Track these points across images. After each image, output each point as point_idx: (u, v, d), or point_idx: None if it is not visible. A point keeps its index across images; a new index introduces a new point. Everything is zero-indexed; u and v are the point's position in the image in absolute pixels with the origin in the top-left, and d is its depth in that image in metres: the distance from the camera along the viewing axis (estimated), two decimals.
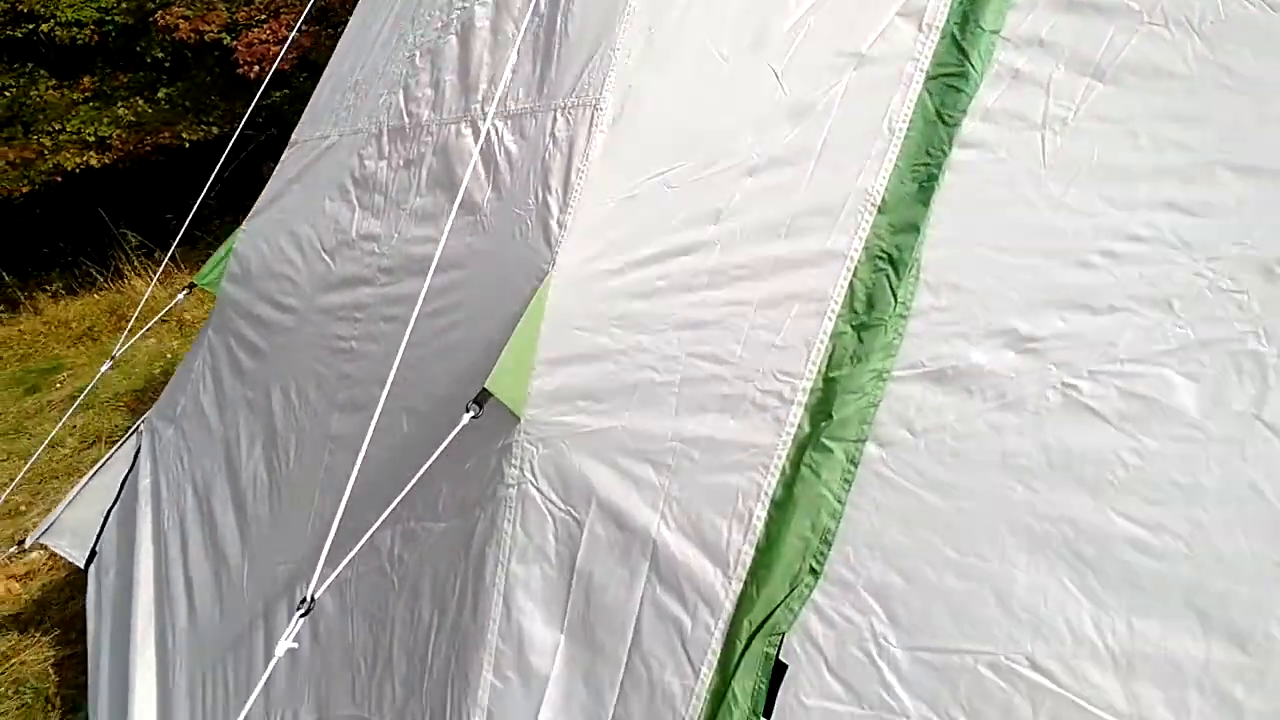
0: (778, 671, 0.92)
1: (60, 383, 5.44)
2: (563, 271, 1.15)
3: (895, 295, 1.00)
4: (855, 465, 0.96)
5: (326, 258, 1.78)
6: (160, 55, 6.74)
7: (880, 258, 1.03)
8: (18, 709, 2.67)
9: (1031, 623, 0.88)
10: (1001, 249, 1.00)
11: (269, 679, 1.55)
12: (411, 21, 1.89)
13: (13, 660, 2.86)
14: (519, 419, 1.07)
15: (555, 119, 1.30)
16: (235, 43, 6.17)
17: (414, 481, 1.02)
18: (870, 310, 1.01)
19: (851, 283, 1.03)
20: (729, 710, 0.91)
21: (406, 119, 1.72)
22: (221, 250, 2.23)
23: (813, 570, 0.93)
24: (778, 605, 0.93)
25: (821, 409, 0.99)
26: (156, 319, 3.06)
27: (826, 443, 0.97)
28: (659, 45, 1.27)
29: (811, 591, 0.93)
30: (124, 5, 6.49)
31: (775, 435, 1.00)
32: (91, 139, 6.54)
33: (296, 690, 1.40)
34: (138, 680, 1.93)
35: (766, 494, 0.98)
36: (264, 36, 6.14)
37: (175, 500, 2.15)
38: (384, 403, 1.44)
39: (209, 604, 1.79)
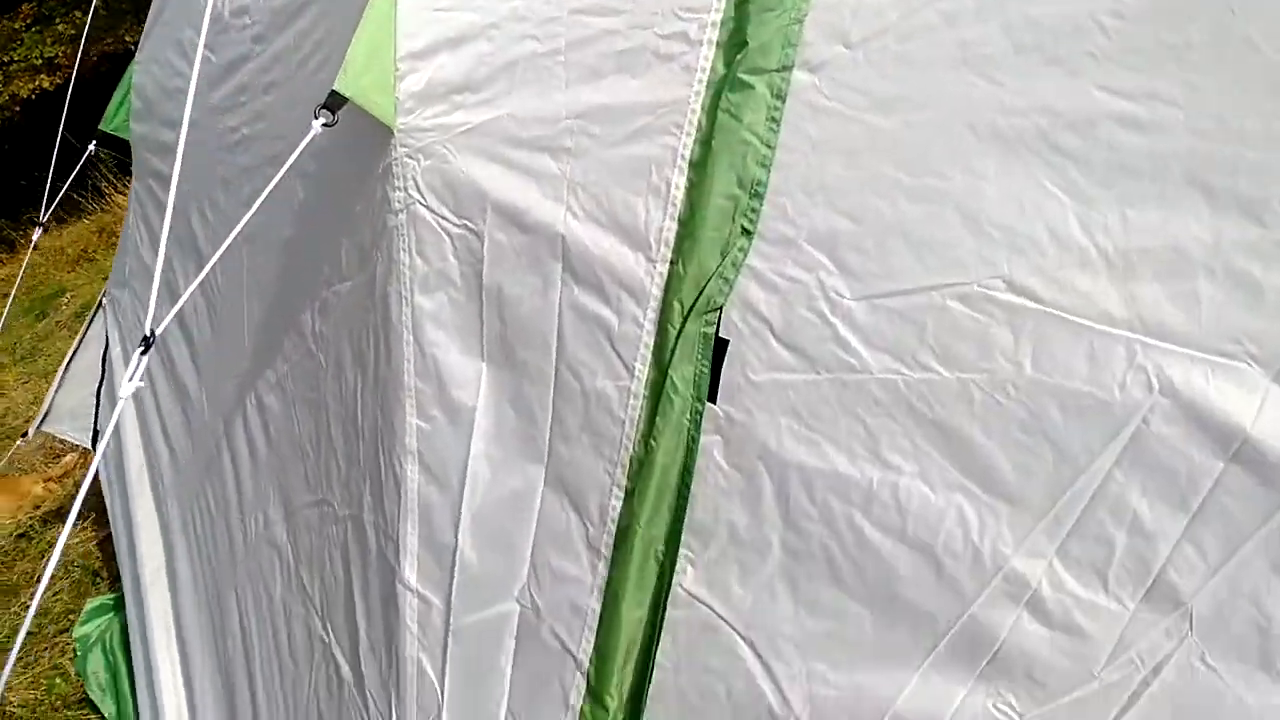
0: (719, 350, 0.77)
1: (65, 304, 5.41)
2: None
3: None
4: (782, 100, 0.76)
5: (208, 52, 1.53)
6: None
7: None
8: (70, 586, 2.74)
9: (1006, 239, 0.71)
10: None
11: (224, 485, 1.47)
12: None
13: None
14: (392, 132, 0.88)
15: None
16: None
17: (261, 199, 0.85)
18: None
19: None
20: (669, 401, 0.77)
21: None
22: (119, 91, 1.97)
23: (745, 231, 0.76)
24: (709, 278, 0.77)
25: (735, 40, 0.78)
26: None
27: (745, 78, 0.76)
28: None
29: (746, 255, 0.76)
30: None
31: (685, 86, 0.80)
32: (39, 61, 6.18)
33: (262, 492, 1.31)
34: (142, 529, 1.90)
35: (683, 157, 0.79)
36: None
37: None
38: (283, 183, 1.25)
39: (182, 439, 1.71)
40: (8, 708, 2.31)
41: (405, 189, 0.87)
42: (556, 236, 0.83)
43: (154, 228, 1.87)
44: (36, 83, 6.18)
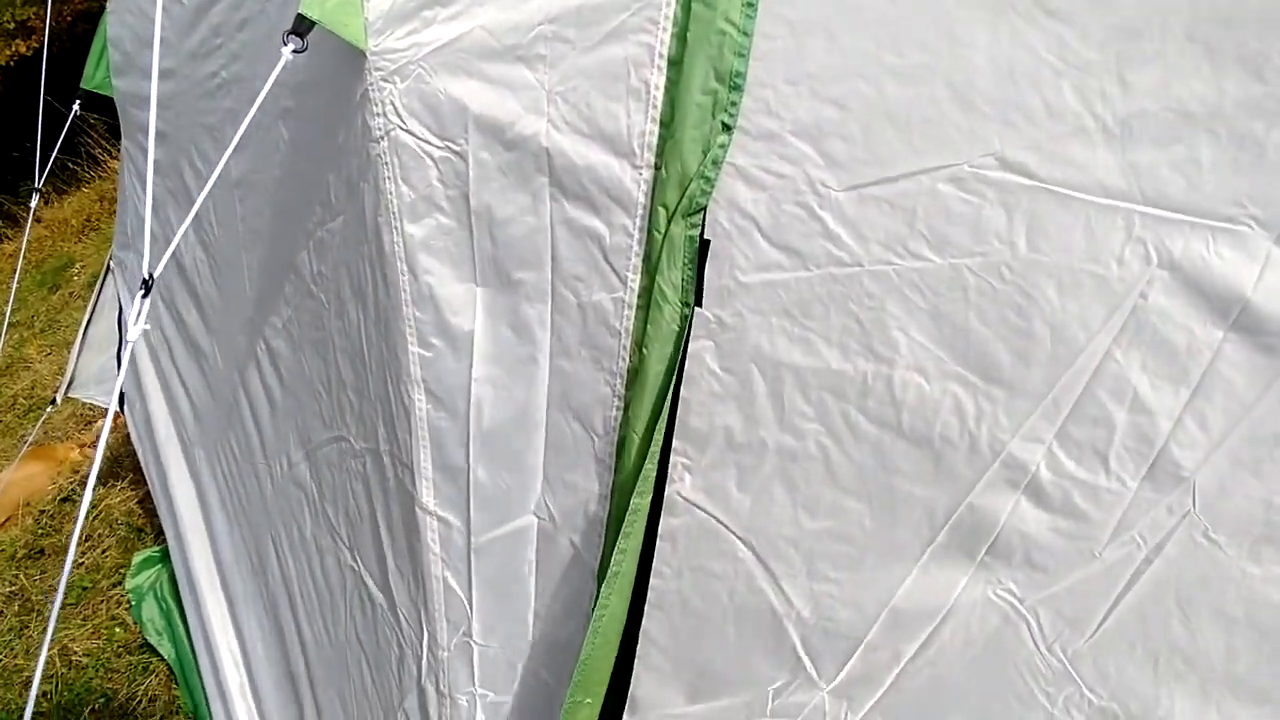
0: (704, 252, 0.78)
1: (76, 275, 5.54)
2: None
3: None
4: None
5: None
6: None
7: None
8: (117, 543, 2.90)
9: (998, 114, 0.70)
10: None
11: (246, 431, 1.54)
12: None
13: (100, 507, 3.07)
14: (365, 56, 0.87)
15: None
16: None
17: (238, 137, 0.87)
18: None
19: None
20: (658, 309, 0.79)
21: None
22: (95, 44, 1.97)
23: (725, 127, 0.76)
24: (691, 179, 0.77)
25: None
26: None
27: None
28: None
29: (726, 152, 0.76)
30: None
31: None
32: (11, 25, 6.11)
33: (282, 434, 1.37)
34: (176, 484, 1.99)
35: (661, 55, 0.79)
36: None
37: (153, 317, 2.10)
38: (260, 120, 1.26)
39: (201, 392, 1.78)
40: (74, 657, 2.50)
41: (384, 114, 0.87)
42: (541, 150, 0.84)
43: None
44: (13, 48, 6.11)
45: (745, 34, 0.75)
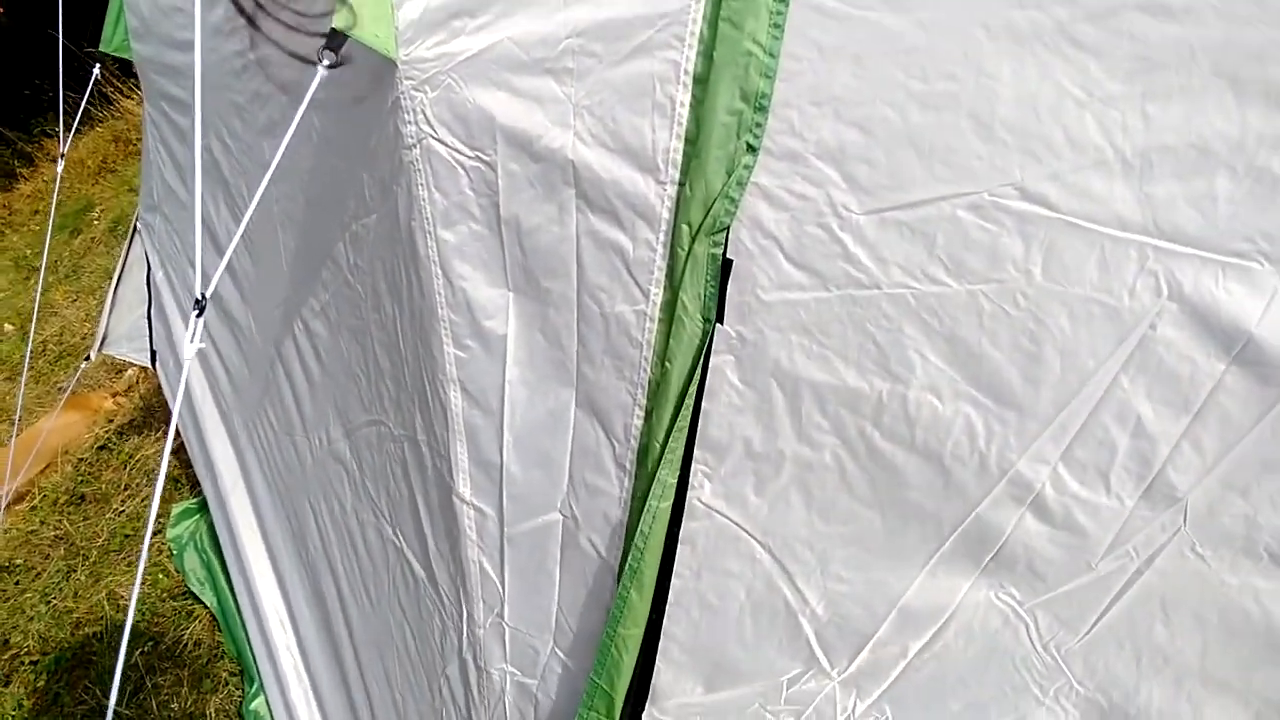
0: (725, 269, 0.82)
1: (96, 219, 5.57)
2: None
3: None
4: (785, 3, 0.76)
5: None
6: None
7: None
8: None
9: (1019, 144, 0.72)
10: None
11: (285, 407, 1.62)
12: None
13: (137, 456, 3.22)
14: (396, 65, 0.90)
15: None
16: None
17: (280, 151, 0.90)
18: None
19: None
20: (680, 323, 0.83)
21: None
22: (113, 7, 1.98)
23: (750, 148, 0.79)
24: (715, 198, 0.80)
25: None
26: None
27: None
28: None
29: (750, 173, 0.79)
30: None
31: None
32: None
33: (321, 411, 1.45)
34: (214, 444, 2.10)
35: (686, 71, 0.81)
36: None
37: (185, 282, 2.17)
38: (291, 108, 1.29)
39: (236, 361, 1.86)
40: (121, 601, 2.67)
41: (416, 123, 0.91)
42: (567, 163, 0.87)
43: (175, 152, 1.93)
44: None
45: (772, 55, 0.77)
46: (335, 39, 0.86)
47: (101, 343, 2.77)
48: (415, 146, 0.93)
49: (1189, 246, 0.69)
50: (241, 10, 1.44)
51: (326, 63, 0.86)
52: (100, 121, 6.30)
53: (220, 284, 1.84)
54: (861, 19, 0.75)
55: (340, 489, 1.42)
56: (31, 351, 4.41)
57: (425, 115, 0.91)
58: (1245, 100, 0.67)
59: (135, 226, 2.53)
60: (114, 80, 6.00)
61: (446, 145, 0.92)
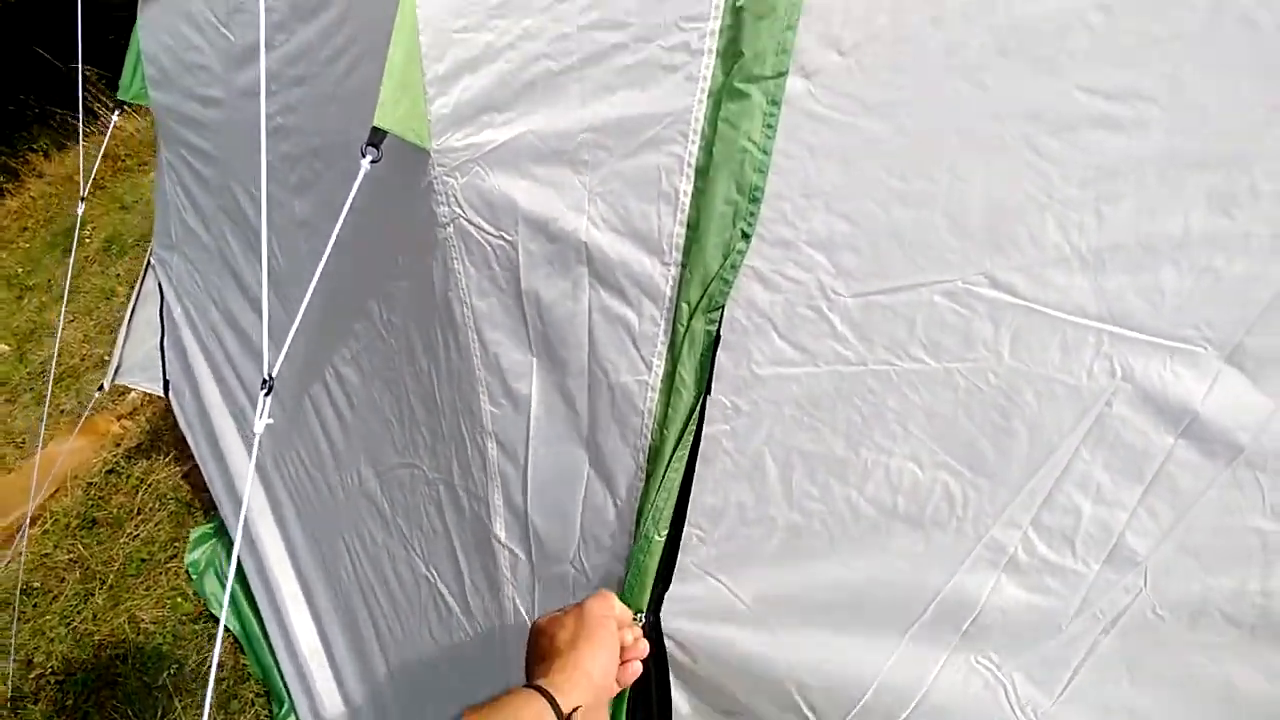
0: (715, 345, 0.90)
1: (88, 237, 5.52)
2: None
3: None
4: (778, 106, 0.85)
5: (225, 30, 1.63)
6: None
7: None
8: (168, 517, 3.13)
9: (989, 239, 0.81)
10: None
11: (317, 445, 1.71)
12: None
13: (148, 482, 3.30)
14: (429, 153, 0.99)
15: None
16: None
17: (332, 240, 0.99)
18: None
19: None
20: (678, 395, 0.92)
21: None
22: (130, 55, 2.07)
23: (744, 235, 0.87)
24: (712, 279, 0.89)
25: (733, 49, 0.86)
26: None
27: (741, 87, 0.85)
28: None
29: (744, 257, 0.88)
30: None
31: (689, 96, 0.89)
32: None
33: (352, 452, 1.54)
34: (238, 472, 2.18)
35: (689, 165, 0.90)
36: None
37: (205, 319, 2.25)
38: (327, 174, 1.38)
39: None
40: (143, 625, 2.75)
41: (449, 204, 1.00)
42: (580, 244, 0.95)
43: (196, 198, 2.02)
44: None
45: (765, 153, 0.86)
46: (377, 135, 0.94)
47: (115, 373, 2.85)
48: (449, 225, 1.02)
49: (1139, 333, 0.77)
50: None
51: (370, 159, 0.94)
52: (86, 135, 6.31)
53: (249, 326, 1.93)
54: (848, 124, 0.84)
55: (371, 524, 1.50)
56: (30, 373, 4.48)
57: (456, 198, 1.00)
58: (1189, 203, 0.75)
59: (149, 262, 2.62)
60: (100, 96, 5.97)
61: (475, 225, 1.01)
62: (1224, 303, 0.75)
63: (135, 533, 3.12)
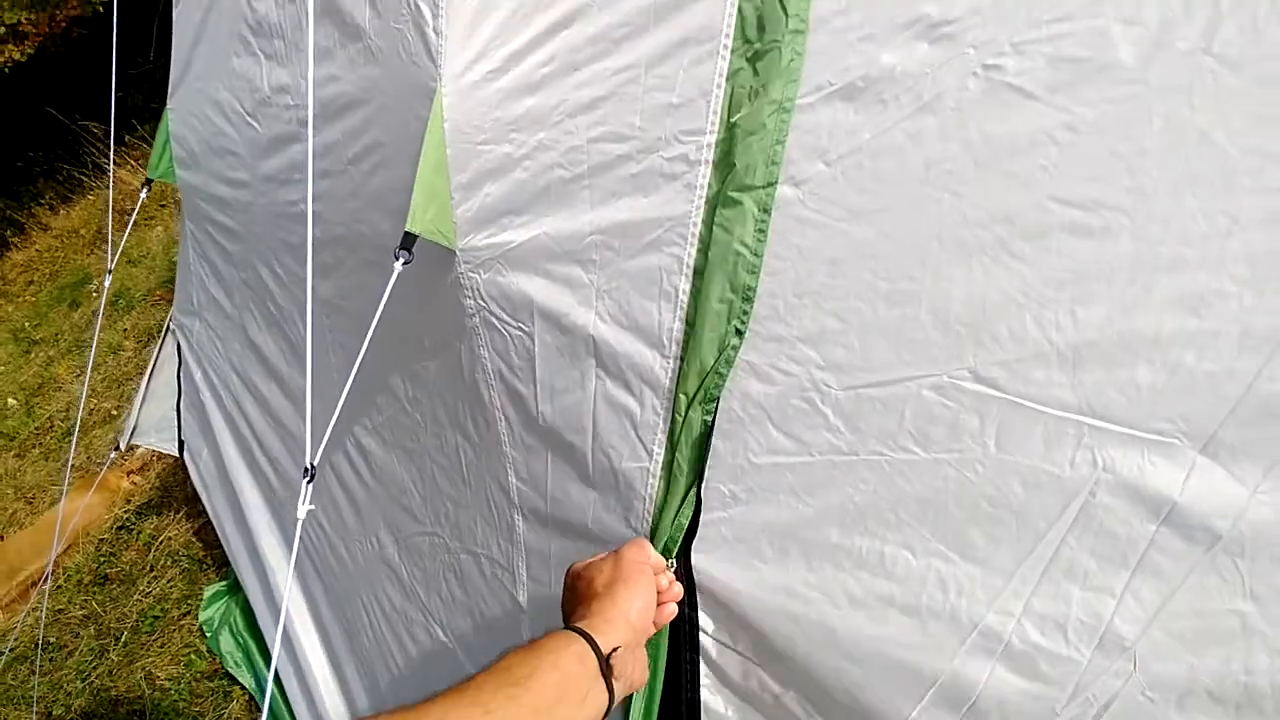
0: (708, 435, 0.95)
1: (95, 291, 5.46)
2: (451, 84, 1.07)
3: (785, 8, 0.88)
4: (768, 213, 0.91)
5: (252, 121, 1.72)
6: None
7: None
8: (181, 574, 3.16)
9: (971, 336, 0.86)
10: None
11: (340, 511, 1.76)
12: None
13: (160, 539, 3.34)
14: (454, 252, 1.06)
15: None
16: None
17: (369, 336, 1.05)
18: (762, 35, 0.90)
19: (740, 7, 0.91)
20: (676, 481, 0.96)
21: None
22: (159, 137, 2.18)
23: (738, 332, 0.93)
24: (708, 373, 0.94)
25: (727, 161, 0.92)
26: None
27: (734, 195, 0.92)
28: None
29: (738, 353, 0.93)
30: None
31: (688, 203, 0.95)
32: (1, 30, 6.10)
33: (372, 519, 1.58)
34: (262, 537, 2.22)
35: (688, 265, 0.96)
36: None
37: (226, 384, 2.32)
38: (349, 260, 1.46)
39: (287, 467, 2.00)
40: (159, 682, 2.76)
41: (474, 298, 1.07)
42: (589, 337, 1.01)
43: (219, 269, 2.11)
44: (5, 54, 6.00)
45: (757, 255, 0.92)
46: (408, 239, 1.01)
47: (131, 433, 2.91)
48: (475, 315, 1.08)
49: (1118, 425, 0.82)
50: None
51: (402, 260, 1.01)
52: (92, 190, 6.35)
53: (269, 394, 1.99)
54: (835, 228, 0.90)
55: (390, 590, 1.55)
56: (38, 428, 4.54)
57: (480, 292, 1.07)
58: (1159, 303, 0.80)
59: (168, 326, 2.71)
60: (107, 152, 6.08)
61: (497, 317, 1.07)
62: (1197, 397, 0.80)
63: (148, 589, 3.15)
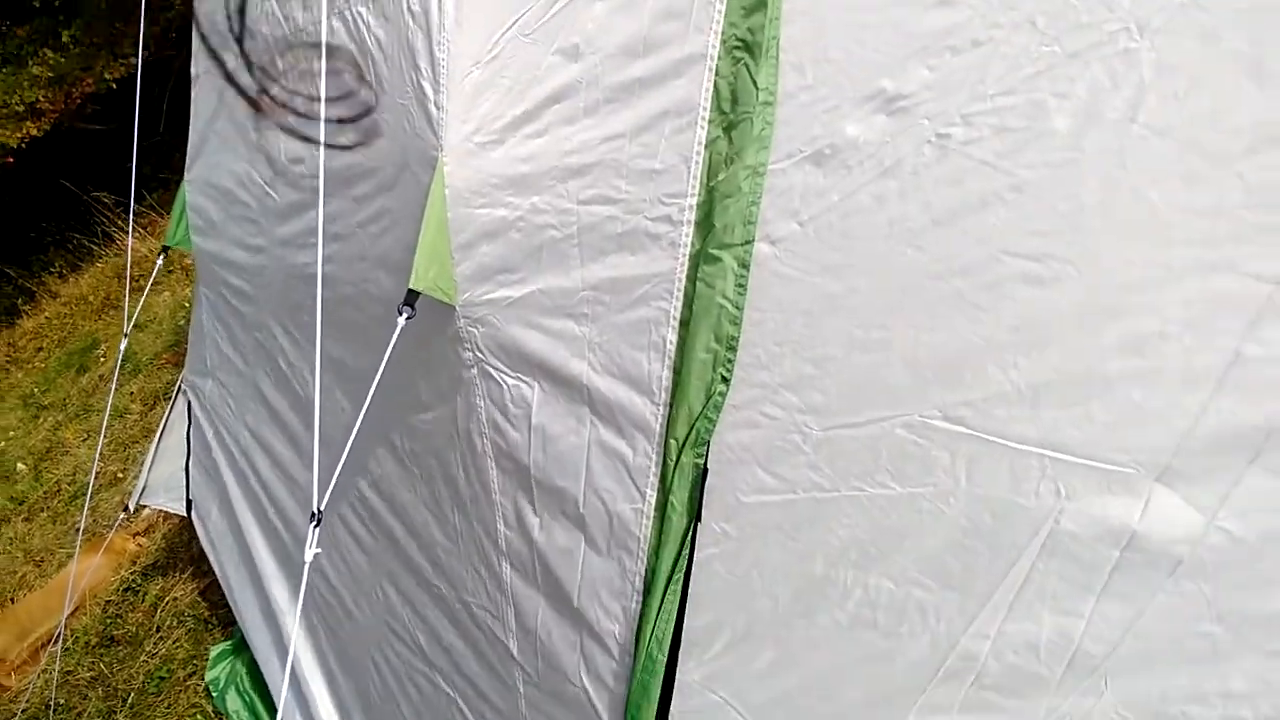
0: (703, 477, 1.02)
1: (102, 356, 5.52)
2: (451, 153, 1.17)
3: (756, 83, 0.98)
4: (746, 269, 0.99)
5: (269, 189, 1.83)
6: None
7: (737, 47, 1.00)
8: (186, 634, 3.17)
9: (939, 378, 0.93)
10: (857, 8, 0.95)
11: (345, 565, 1.80)
12: None
13: (166, 599, 3.36)
14: (454, 307, 1.14)
15: None
16: None
17: (374, 385, 1.12)
18: (736, 107, 1.00)
19: (715, 83, 1.01)
20: (669, 521, 1.03)
21: (286, 26, 1.68)
22: (176, 207, 2.30)
23: (723, 379, 1.00)
24: (697, 418, 1.01)
25: (708, 221, 1.01)
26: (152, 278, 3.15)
27: (714, 253, 1.00)
28: None
29: (725, 398, 1.00)
30: None
31: (672, 260, 1.04)
32: (21, 108, 6.26)
33: (377, 571, 1.64)
34: (272, 590, 2.26)
35: (674, 318, 1.04)
36: None
37: (237, 442, 2.39)
38: (357, 318, 1.54)
39: (297, 519, 2.05)
40: None
41: (473, 350, 1.15)
42: (583, 386, 1.09)
43: (233, 331, 2.20)
44: (23, 131, 6.28)
45: (738, 307, 1.00)
46: (412, 297, 1.10)
47: (141, 493, 2.97)
48: (474, 368, 1.16)
49: (1077, 457, 0.88)
50: (244, 95, 1.70)
51: (406, 316, 1.09)
52: (100, 258, 6.43)
53: (280, 449, 2.06)
54: (809, 282, 0.98)
55: (397, 642, 1.59)
56: (46, 492, 4.57)
57: (478, 345, 1.14)
58: (1107, 346, 0.87)
59: (179, 388, 2.79)
60: (116, 220, 6.22)
61: (494, 368, 1.15)
62: (1148, 430, 0.86)
63: (155, 650, 3.16)
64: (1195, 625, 0.85)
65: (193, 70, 2.05)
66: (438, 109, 1.19)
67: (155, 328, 5.20)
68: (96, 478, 4.44)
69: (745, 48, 0.99)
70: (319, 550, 1.13)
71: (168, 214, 6.09)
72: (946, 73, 0.91)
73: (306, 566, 1.09)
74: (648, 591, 1.05)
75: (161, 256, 2.40)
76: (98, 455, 3.23)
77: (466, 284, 1.13)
